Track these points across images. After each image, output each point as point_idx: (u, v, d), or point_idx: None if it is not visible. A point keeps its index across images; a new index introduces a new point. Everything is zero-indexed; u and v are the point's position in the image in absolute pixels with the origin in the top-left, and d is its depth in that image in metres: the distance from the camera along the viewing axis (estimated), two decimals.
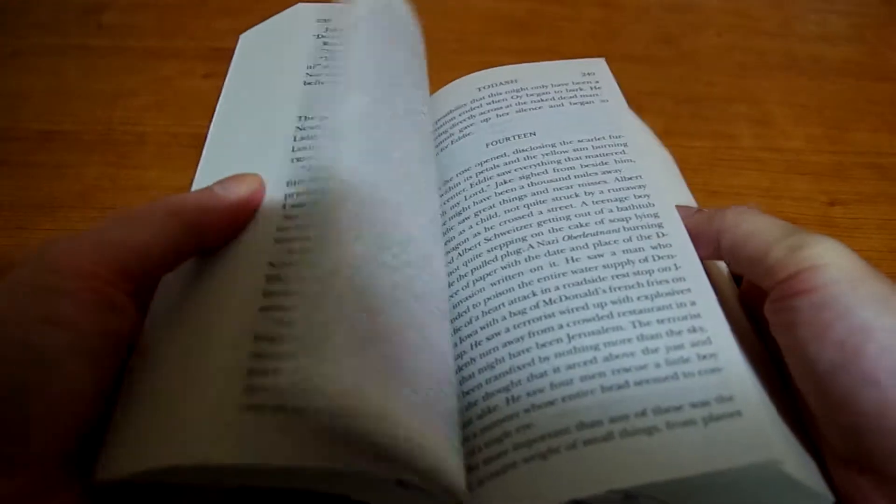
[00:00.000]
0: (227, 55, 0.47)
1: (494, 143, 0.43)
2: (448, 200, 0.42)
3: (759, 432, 0.28)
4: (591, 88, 0.46)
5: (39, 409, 0.25)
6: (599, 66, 0.48)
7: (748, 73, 0.71)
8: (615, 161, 0.40)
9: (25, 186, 0.55)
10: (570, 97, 0.45)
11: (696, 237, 0.36)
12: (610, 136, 0.41)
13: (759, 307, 0.35)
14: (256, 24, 0.47)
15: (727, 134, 0.64)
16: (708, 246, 0.35)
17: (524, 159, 0.41)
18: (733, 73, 0.71)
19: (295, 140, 0.37)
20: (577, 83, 0.46)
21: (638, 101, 0.43)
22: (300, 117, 0.38)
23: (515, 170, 0.41)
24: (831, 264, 0.30)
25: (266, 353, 0.29)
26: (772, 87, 0.69)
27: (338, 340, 0.28)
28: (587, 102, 0.44)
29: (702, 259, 0.35)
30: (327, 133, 0.37)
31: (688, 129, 0.63)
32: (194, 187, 0.38)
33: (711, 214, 0.36)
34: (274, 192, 0.35)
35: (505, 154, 0.42)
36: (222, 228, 0.33)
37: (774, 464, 0.27)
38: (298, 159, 0.36)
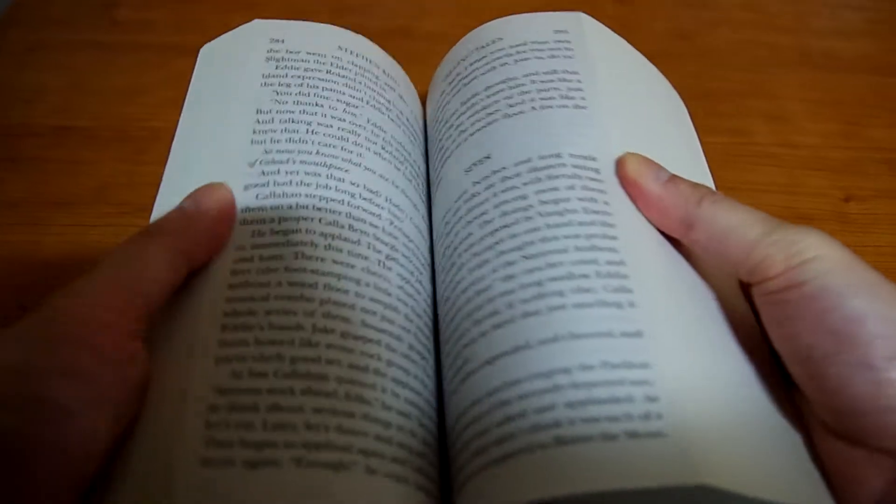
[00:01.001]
0: None
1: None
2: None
3: (685, 455, 0.27)
4: (565, 50, 0.44)
5: (54, 463, 0.25)
6: (574, 21, 0.46)
7: (763, 68, 0.71)
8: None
9: (41, 182, 0.55)
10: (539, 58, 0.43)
11: (664, 214, 0.35)
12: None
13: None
14: (272, 18, 0.47)
15: (742, 130, 0.64)
16: (675, 230, 0.35)
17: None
18: (748, 68, 0.71)
19: (251, 166, 0.37)
20: (551, 42, 0.44)
21: None
22: (252, 140, 0.38)
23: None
24: (820, 256, 0.30)
25: (222, 406, 0.29)
26: (787, 83, 0.69)
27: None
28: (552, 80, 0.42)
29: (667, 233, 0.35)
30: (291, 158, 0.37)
31: (703, 125, 0.63)
32: (157, 202, 0.38)
33: (683, 198, 0.34)
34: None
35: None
36: (207, 246, 0.34)
37: (701, 486, 0.26)
38: (255, 169, 0.37)
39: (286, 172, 0.37)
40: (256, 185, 0.36)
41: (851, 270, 0.30)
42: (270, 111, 0.39)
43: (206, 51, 0.46)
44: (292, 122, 0.39)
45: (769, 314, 0.32)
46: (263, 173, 0.36)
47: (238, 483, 0.26)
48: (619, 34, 0.45)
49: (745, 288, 0.35)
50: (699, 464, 0.26)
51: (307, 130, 0.39)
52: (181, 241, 0.32)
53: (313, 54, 0.43)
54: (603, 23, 0.45)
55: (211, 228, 0.34)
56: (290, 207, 0.35)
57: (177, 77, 0.64)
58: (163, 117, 0.60)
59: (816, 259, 0.30)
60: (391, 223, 0.38)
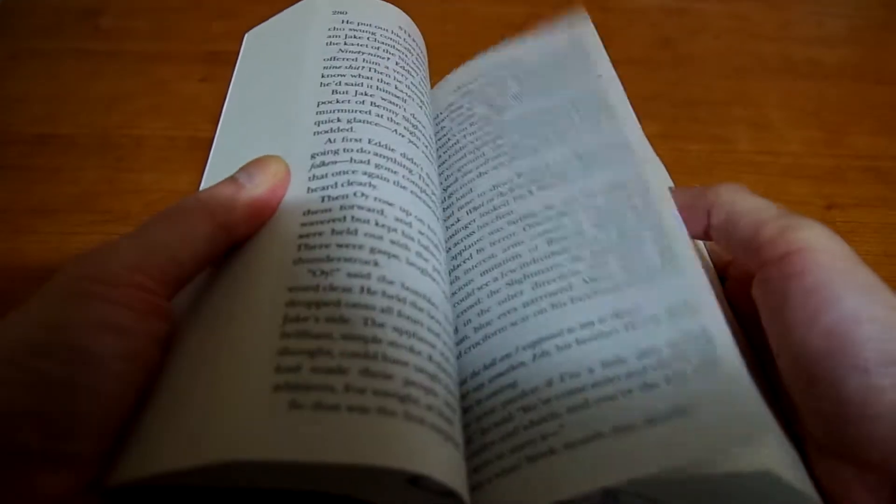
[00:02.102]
0: (224, 58, 0.47)
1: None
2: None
3: (753, 426, 0.27)
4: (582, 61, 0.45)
5: (89, 409, 0.27)
6: (583, 23, 0.47)
7: (746, 76, 0.71)
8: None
9: (22, 190, 0.55)
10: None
11: (688, 212, 0.36)
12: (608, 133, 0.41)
13: (742, 304, 0.36)
14: (254, 26, 0.47)
15: (725, 137, 0.64)
16: (698, 222, 0.36)
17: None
18: (731, 76, 0.71)
19: (317, 125, 0.37)
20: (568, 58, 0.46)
21: (636, 105, 0.43)
22: (318, 112, 0.38)
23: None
24: (823, 249, 0.30)
25: (293, 350, 0.29)
26: (769, 91, 0.69)
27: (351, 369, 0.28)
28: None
29: (691, 237, 0.36)
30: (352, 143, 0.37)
31: (685, 133, 0.63)
32: (206, 175, 0.38)
33: (704, 189, 0.36)
34: (296, 184, 0.35)
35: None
36: (250, 222, 0.34)
37: (766, 472, 0.27)
38: (320, 141, 0.37)
39: (354, 139, 0.37)
40: (327, 141, 0.36)
41: (852, 270, 0.30)
42: (337, 76, 0.40)
43: (253, 34, 0.47)
44: (359, 89, 0.40)
45: (768, 306, 0.31)
46: (331, 141, 0.37)
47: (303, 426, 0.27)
48: (601, 41, 0.46)
49: (743, 299, 0.35)
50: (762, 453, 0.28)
51: (372, 104, 0.39)
52: (224, 215, 0.33)
53: (377, 29, 0.44)
54: None
55: (257, 204, 0.34)
56: (362, 173, 0.35)
57: (159, 85, 0.64)
58: (145, 125, 0.60)
59: (819, 251, 0.30)
60: (437, 207, 0.39)
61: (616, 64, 0.47)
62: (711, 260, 0.41)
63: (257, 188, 0.34)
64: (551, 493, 0.28)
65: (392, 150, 0.37)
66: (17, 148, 0.58)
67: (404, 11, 0.47)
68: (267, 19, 0.47)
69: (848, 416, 0.28)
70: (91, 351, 0.27)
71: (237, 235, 0.33)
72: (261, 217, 0.34)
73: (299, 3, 0.45)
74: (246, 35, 0.47)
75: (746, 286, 0.33)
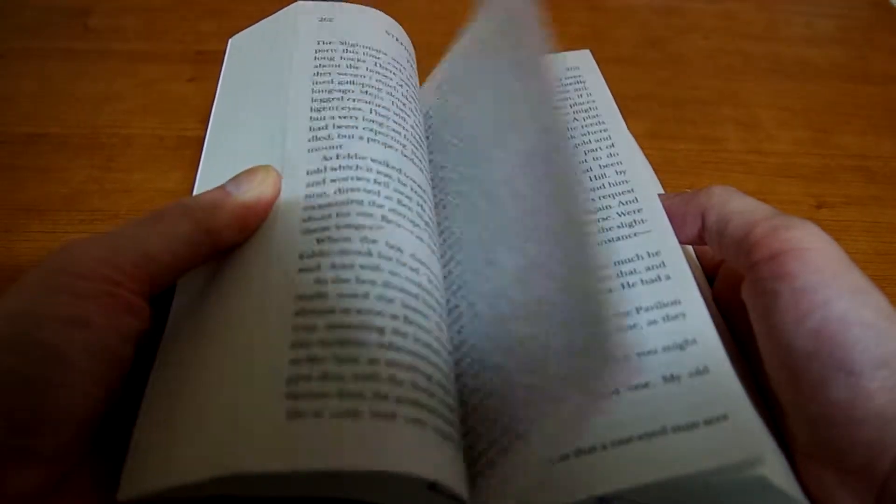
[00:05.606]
0: (212, 58, 0.47)
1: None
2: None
3: (747, 433, 0.28)
4: (576, 84, 0.46)
5: (54, 404, 0.26)
6: (584, 58, 0.48)
7: (735, 75, 0.71)
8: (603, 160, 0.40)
9: (12, 189, 0.55)
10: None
11: (680, 216, 0.36)
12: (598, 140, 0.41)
13: (730, 306, 0.36)
14: (243, 26, 0.47)
15: (714, 137, 0.64)
16: (692, 225, 0.36)
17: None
18: (720, 75, 0.71)
19: (311, 130, 0.37)
20: (562, 80, 0.46)
21: (625, 104, 0.43)
22: (312, 118, 0.38)
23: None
24: (815, 250, 0.30)
25: (305, 360, 0.29)
26: (758, 90, 0.70)
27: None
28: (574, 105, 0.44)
29: (683, 241, 0.36)
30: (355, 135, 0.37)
31: (674, 132, 0.63)
32: (196, 189, 0.38)
33: (695, 192, 0.36)
34: (294, 183, 0.35)
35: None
36: (235, 228, 0.34)
37: (759, 478, 0.27)
38: (315, 149, 0.36)
39: (347, 146, 0.37)
40: (318, 150, 0.36)
41: (843, 272, 0.29)
42: (327, 83, 0.40)
43: (238, 40, 0.47)
44: (350, 95, 0.40)
45: (757, 307, 0.31)
46: (326, 138, 0.37)
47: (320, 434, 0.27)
48: (591, 41, 0.46)
49: (732, 302, 0.35)
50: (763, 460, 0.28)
51: (362, 110, 0.39)
52: (206, 218, 0.33)
53: (365, 35, 0.44)
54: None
55: (242, 210, 0.34)
56: (356, 179, 0.35)
57: (147, 84, 0.64)
58: (134, 124, 0.60)
59: (811, 251, 0.30)
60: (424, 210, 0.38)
61: (605, 63, 0.47)
62: (700, 262, 0.40)
63: (243, 195, 0.34)
64: (549, 499, 0.28)
65: (384, 159, 0.37)
66: (6, 147, 0.58)
67: (393, 10, 0.47)
68: (255, 18, 0.47)
69: (833, 419, 0.28)
70: (55, 345, 0.26)
71: (222, 240, 0.33)
72: (247, 223, 0.34)
73: (283, 10, 0.45)
74: (230, 40, 0.47)
75: (735, 288, 0.33)
